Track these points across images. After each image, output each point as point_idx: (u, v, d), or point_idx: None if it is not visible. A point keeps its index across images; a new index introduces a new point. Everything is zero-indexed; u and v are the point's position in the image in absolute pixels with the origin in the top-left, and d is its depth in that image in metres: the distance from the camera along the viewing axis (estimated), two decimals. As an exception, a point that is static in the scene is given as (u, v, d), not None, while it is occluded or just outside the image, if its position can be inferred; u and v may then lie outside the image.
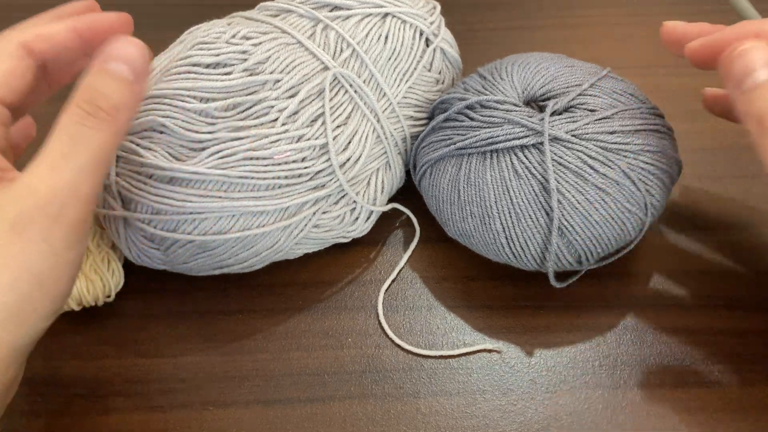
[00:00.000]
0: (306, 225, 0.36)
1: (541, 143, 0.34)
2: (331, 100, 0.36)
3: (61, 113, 0.28)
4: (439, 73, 0.40)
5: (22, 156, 0.36)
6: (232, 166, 0.33)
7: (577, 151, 0.34)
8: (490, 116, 0.35)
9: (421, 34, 0.39)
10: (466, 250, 0.38)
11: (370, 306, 0.38)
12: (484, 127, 0.35)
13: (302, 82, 0.35)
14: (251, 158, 0.34)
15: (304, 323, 0.37)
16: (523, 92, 0.37)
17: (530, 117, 0.35)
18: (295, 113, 0.35)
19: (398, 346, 0.36)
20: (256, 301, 0.38)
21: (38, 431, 0.34)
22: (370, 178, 0.38)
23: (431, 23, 0.40)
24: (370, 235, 0.39)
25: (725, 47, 0.31)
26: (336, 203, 0.37)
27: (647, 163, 0.34)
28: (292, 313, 0.38)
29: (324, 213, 0.36)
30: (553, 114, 0.35)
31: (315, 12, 0.38)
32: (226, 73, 0.35)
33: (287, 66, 0.35)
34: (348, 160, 0.36)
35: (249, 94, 0.35)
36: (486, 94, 0.37)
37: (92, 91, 0.28)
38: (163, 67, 0.35)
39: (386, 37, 0.38)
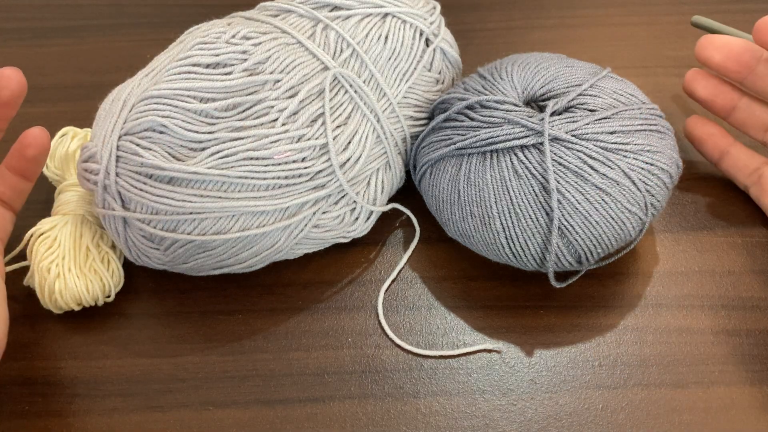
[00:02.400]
0: (306, 225, 0.36)
1: (541, 143, 0.34)
2: (331, 100, 0.36)
3: None
4: (439, 73, 0.40)
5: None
6: (232, 167, 0.33)
7: (577, 151, 0.34)
8: (490, 116, 0.35)
9: (421, 34, 0.39)
10: (466, 250, 0.38)
11: (370, 306, 0.38)
12: (484, 127, 0.35)
13: (302, 82, 0.35)
14: (251, 158, 0.34)
15: (304, 323, 0.37)
16: (523, 92, 0.37)
17: (530, 117, 0.35)
18: (295, 113, 0.35)
19: (398, 346, 0.36)
20: (256, 301, 0.38)
21: (38, 431, 0.34)
22: (370, 178, 0.38)
23: (431, 23, 0.40)
24: (370, 235, 0.39)
25: None
26: (336, 203, 0.37)
27: (647, 163, 0.34)
28: (292, 313, 0.38)
29: (324, 213, 0.36)
30: (553, 114, 0.35)
31: (315, 12, 0.38)
32: (226, 73, 0.35)
33: (287, 66, 0.35)
34: (348, 160, 0.36)
35: (249, 94, 0.35)
36: (486, 94, 0.37)
37: None
38: (163, 67, 0.35)
39: (386, 37, 0.38)
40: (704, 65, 0.37)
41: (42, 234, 0.37)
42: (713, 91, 0.39)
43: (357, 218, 0.38)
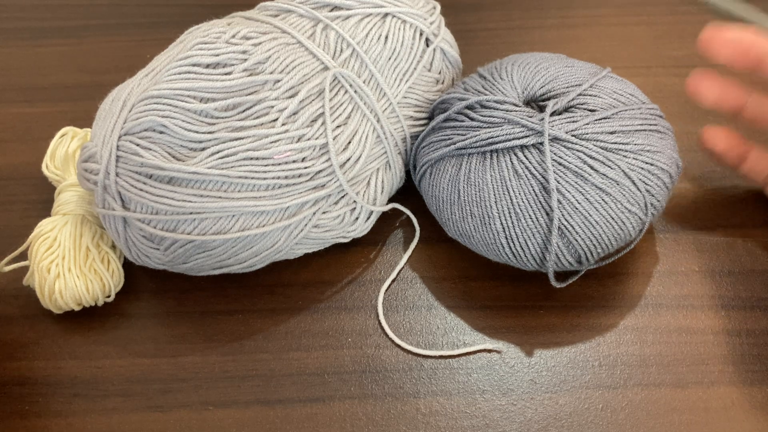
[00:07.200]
0: (306, 225, 0.36)
1: (541, 143, 0.34)
2: (331, 100, 0.36)
3: None
4: (439, 73, 0.40)
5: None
6: (232, 167, 0.33)
7: (577, 151, 0.34)
8: (490, 116, 0.35)
9: (421, 34, 0.39)
10: (466, 250, 0.38)
11: (370, 306, 0.38)
12: (484, 127, 0.35)
13: (302, 82, 0.36)
14: (251, 158, 0.34)
15: (304, 323, 0.37)
16: (523, 92, 0.37)
17: (530, 117, 0.35)
18: (295, 113, 0.35)
19: (398, 346, 0.36)
20: (256, 301, 0.38)
21: (38, 431, 0.34)
22: (370, 178, 0.38)
23: (431, 23, 0.40)
24: (370, 235, 0.39)
25: None
26: (336, 203, 0.37)
27: (647, 163, 0.34)
28: (292, 313, 0.38)
29: (324, 213, 0.36)
30: (553, 114, 0.35)
31: (315, 12, 0.38)
32: (226, 73, 0.35)
33: (287, 66, 0.35)
34: (348, 160, 0.36)
35: (249, 94, 0.35)
36: (486, 94, 0.37)
37: None
38: (163, 67, 0.35)
39: (386, 37, 0.38)
40: (709, 59, 0.35)
41: (42, 234, 0.37)
42: (719, 92, 0.37)
43: (357, 218, 0.38)
